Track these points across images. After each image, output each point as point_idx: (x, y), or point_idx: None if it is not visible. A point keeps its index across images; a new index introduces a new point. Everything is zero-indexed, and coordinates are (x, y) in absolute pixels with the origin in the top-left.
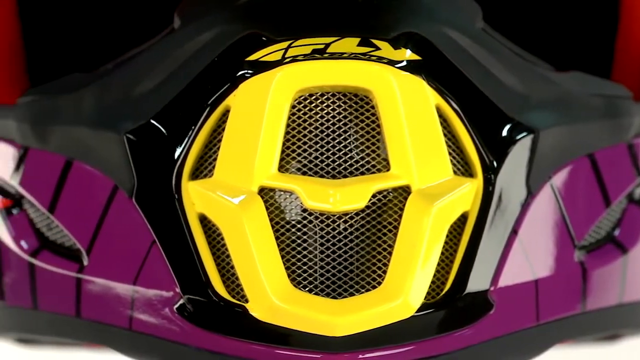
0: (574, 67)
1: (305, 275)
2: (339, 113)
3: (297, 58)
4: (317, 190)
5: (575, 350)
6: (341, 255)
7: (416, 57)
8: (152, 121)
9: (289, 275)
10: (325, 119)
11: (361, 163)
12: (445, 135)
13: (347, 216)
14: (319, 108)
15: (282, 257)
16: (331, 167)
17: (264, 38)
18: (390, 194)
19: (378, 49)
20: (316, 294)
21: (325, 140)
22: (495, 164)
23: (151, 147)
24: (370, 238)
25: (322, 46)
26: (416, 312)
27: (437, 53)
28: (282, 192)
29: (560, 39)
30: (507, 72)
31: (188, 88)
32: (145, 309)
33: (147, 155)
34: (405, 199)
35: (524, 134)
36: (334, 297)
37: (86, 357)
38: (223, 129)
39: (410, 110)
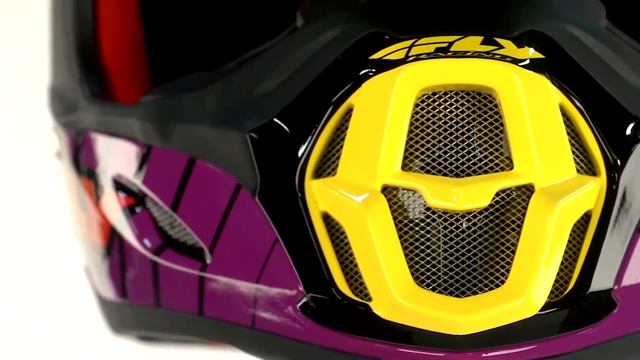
0: None
1: (428, 273)
2: (462, 111)
3: (421, 56)
4: (441, 189)
5: None
6: (464, 253)
7: (540, 55)
8: (275, 120)
9: (412, 274)
10: (449, 117)
11: (484, 162)
12: (568, 134)
13: (470, 215)
14: (442, 107)
15: (405, 255)
16: (454, 165)
17: (387, 36)
18: (514, 192)
19: (501, 47)
20: (439, 292)
21: (448, 139)
22: (618, 162)
23: (274, 145)
24: (494, 237)
25: (446, 44)
26: (539, 311)
27: (560, 51)
28: (405, 191)
29: None
30: (631, 71)
31: (311, 87)
32: (268, 307)
33: (270, 154)
34: (529, 197)
35: None
36: (457, 296)
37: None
38: (346, 128)
39: (533, 109)
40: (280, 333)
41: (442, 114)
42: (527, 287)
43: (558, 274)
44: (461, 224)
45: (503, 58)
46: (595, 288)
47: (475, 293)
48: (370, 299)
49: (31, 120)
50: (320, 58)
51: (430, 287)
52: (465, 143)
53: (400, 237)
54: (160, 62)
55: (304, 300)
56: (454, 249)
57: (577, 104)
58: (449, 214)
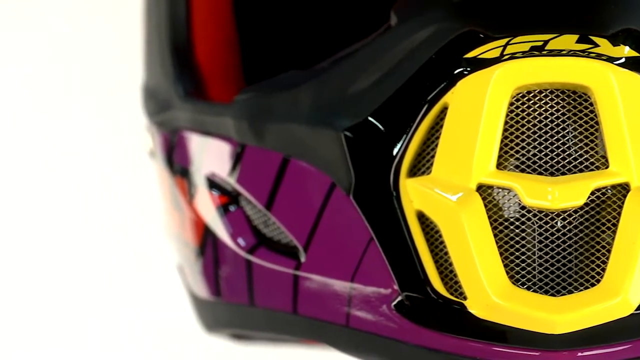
0: None
1: (523, 272)
2: (557, 110)
3: (516, 55)
4: (536, 188)
5: None
6: (559, 252)
7: (635, 53)
8: (370, 118)
9: (507, 273)
10: (544, 116)
11: (579, 160)
12: None
13: (565, 214)
14: (537, 105)
15: (500, 254)
16: (549, 164)
17: (481, 35)
18: (609, 191)
19: (597, 45)
20: (534, 291)
21: (543, 138)
22: None
23: (369, 144)
24: (589, 235)
25: (541, 43)
26: (635, 310)
27: None
28: (500, 190)
29: None
30: None
31: (405, 85)
32: (363, 306)
33: (365, 153)
34: (624, 196)
35: None
36: (552, 295)
37: None
38: (440, 126)
39: (629, 107)
40: (374, 332)
41: (537, 112)
42: (623, 286)
43: None
44: (556, 222)
45: (598, 56)
46: None
47: (570, 292)
48: (465, 298)
49: (123, 120)
50: (414, 57)
51: (525, 286)
52: (560, 142)
53: (495, 235)
54: (253, 61)
55: (399, 298)
56: (549, 247)
57: None
58: (544, 213)
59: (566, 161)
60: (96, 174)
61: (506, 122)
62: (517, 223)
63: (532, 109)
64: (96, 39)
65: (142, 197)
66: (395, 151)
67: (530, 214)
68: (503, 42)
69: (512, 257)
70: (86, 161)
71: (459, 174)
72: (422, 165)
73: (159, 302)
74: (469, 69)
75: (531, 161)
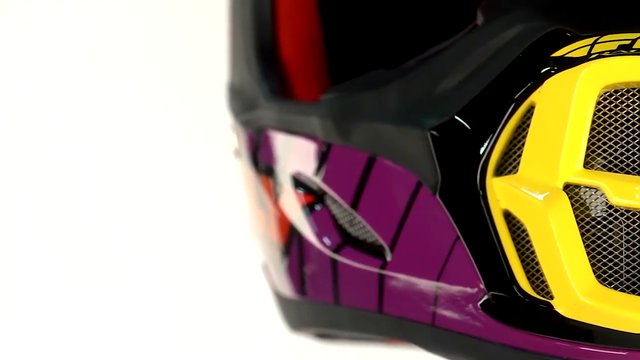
0: None
1: (610, 272)
2: None
3: (603, 54)
4: (624, 187)
5: None
6: None
7: None
8: (457, 118)
9: (594, 272)
10: (631, 115)
11: None
12: None
13: None
14: (624, 104)
15: (587, 253)
16: (637, 163)
17: (568, 34)
18: None
19: None
20: (622, 290)
21: (631, 137)
22: None
23: (455, 143)
24: None
25: (629, 42)
26: None
27: None
28: (587, 189)
29: None
30: None
31: (492, 84)
32: (449, 305)
33: (452, 152)
34: None
35: None
36: (639, 294)
37: None
38: (527, 126)
39: None
40: (460, 331)
41: (625, 111)
42: None
43: None
44: None
45: None
46: None
47: None
48: (552, 297)
49: (209, 119)
50: (501, 56)
51: (613, 286)
52: None
53: (582, 235)
54: (338, 60)
55: (485, 297)
56: (637, 247)
57: None
58: (631, 212)
59: None
60: (180, 174)
61: (593, 122)
62: (604, 222)
63: (619, 107)
64: (181, 38)
65: (227, 197)
66: (481, 150)
67: (618, 213)
68: (590, 41)
69: (599, 257)
70: (171, 161)
71: (545, 173)
72: (508, 164)
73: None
74: (555, 68)
75: (618, 160)
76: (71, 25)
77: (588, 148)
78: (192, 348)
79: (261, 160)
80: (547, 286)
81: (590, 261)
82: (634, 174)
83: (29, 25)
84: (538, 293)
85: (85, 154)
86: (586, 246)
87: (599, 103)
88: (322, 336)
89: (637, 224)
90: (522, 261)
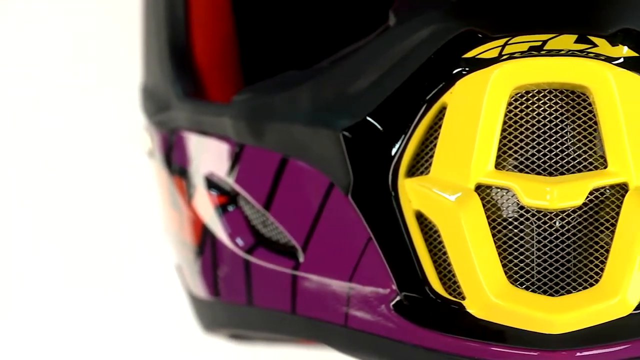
0: None
1: (522, 272)
2: (556, 110)
3: (514, 55)
4: (534, 188)
5: None
6: (558, 252)
7: (633, 53)
8: (369, 118)
9: (505, 273)
10: (542, 116)
11: (578, 160)
12: None
13: (564, 213)
14: (535, 105)
15: (499, 254)
16: (548, 164)
17: (480, 35)
18: (607, 191)
19: (595, 45)
20: (533, 291)
21: (541, 138)
22: None
23: (367, 144)
24: (587, 235)
25: (539, 43)
26: (633, 310)
27: None
28: (498, 190)
29: None
30: None
31: (404, 85)
32: (361, 306)
33: (364, 153)
34: (623, 196)
35: None
36: (550, 295)
37: None
38: (439, 126)
39: (627, 107)
40: (373, 332)
41: (536, 112)
42: (622, 286)
43: None
44: (555, 222)
45: (597, 56)
46: None
47: (568, 292)
48: (463, 298)
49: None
50: (413, 57)
51: (524, 286)
52: (559, 142)
53: (493, 235)
54: (252, 61)
55: (398, 298)
56: (548, 247)
57: None
58: (542, 213)
59: (565, 161)
60: (94, 175)
61: (505, 122)
62: (515, 223)
63: (530, 109)
64: (95, 39)
65: (141, 197)
66: (393, 151)
67: (529, 214)
68: (502, 42)
69: (510, 257)
70: (84, 162)
71: (457, 174)
72: (420, 165)
73: (157, 302)
74: (467, 69)
75: (530, 161)
76: None
77: (499, 149)
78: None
79: (174, 161)
80: (458, 287)
81: (501, 262)
82: (544, 175)
83: None
84: (450, 294)
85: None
86: (498, 247)
87: (510, 104)
88: (236, 337)
89: (547, 224)
90: (434, 262)
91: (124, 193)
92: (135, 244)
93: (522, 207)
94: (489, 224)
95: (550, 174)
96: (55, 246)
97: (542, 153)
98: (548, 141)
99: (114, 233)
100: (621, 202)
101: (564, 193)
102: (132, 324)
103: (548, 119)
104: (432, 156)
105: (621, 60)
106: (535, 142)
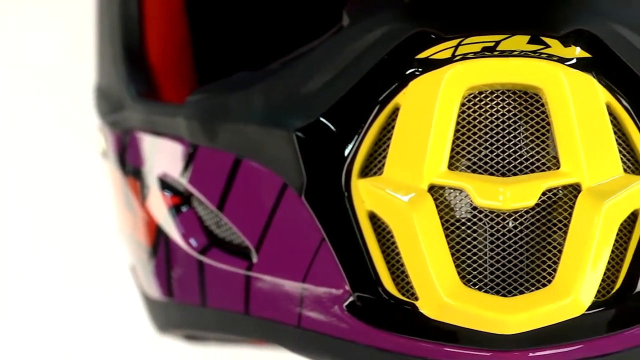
0: None
1: (474, 273)
2: (509, 111)
3: (467, 56)
4: (487, 188)
5: None
6: (511, 253)
7: (586, 54)
8: (322, 119)
9: (458, 273)
10: (495, 116)
11: (531, 161)
12: (615, 133)
13: (517, 214)
14: (488, 106)
15: (452, 254)
16: (501, 164)
17: (433, 36)
18: (560, 191)
19: (548, 46)
20: (486, 291)
21: (495, 138)
22: None
23: (320, 144)
24: (540, 236)
25: (492, 44)
26: (586, 310)
27: (607, 50)
28: (451, 190)
29: None
30: None
31: (357, 86)
32: (315, 306)
33: (317, 153)
34: (575, 197)
35: None
36: (503, 295)
37: None
38: (392, 127)
39: (580, 108)
40: (326, 332)
41: (489, 113)
42: (574, 286)
43: (605, 273)
44: (508, 223)
45: (550, 57)
46: None
47: (521, 292)
48: (416, 298)
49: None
50: (366, 57)
51: (477, 287)
52: (512, 142)
53: (446, 236)
54: (206, 62)
55: (351, 299)
56: (501, 248)
57: (624, 103)
58: (495, 214)
59: (518, 162)
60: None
61: (458, 123)
62: (468, 224)
63: (483, 109)
64: (49, 40)
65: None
66: (346, 152)
67: (482, 214)
68: (455, 42)
69: (463, 258)
70: (38, 161)
71: (410, 175)
72: (373, 165)
73: (113, 302)
74: (420, 69)
75: (483, 162)
76: None
77: (453, 149)
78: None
79: (128, 161)
80: (411, 287)
81: (454, 262)
82: (497, 175)
83: None
84: (403, 294)
85: None
86: (451, 247)
87: (463, 105)
88: (190, 337)
89: (500, 225)
90: (388, 262)
91: (78, 193)
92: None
93: (475, 208)
94: (442, 224)
95: (503, 175)
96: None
97: (495, 154)
98: (501, 142)
99: (67, 234)
100: (574, 203)
101: (516, 194)
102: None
103: (501, 120)
104: (385, 157)
105: (574, 61)
106: (488, 142)
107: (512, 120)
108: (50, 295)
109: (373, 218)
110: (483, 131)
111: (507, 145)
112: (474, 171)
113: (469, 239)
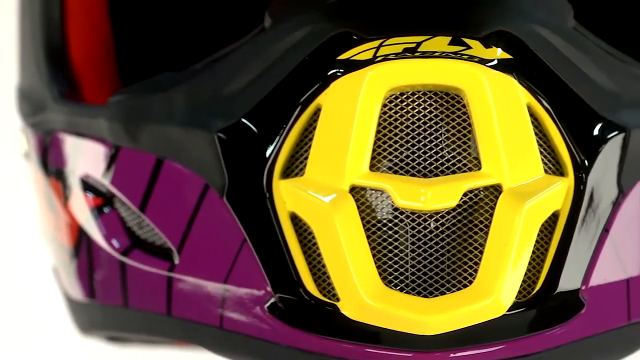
0: None
1: (396, 274)
2: (430, 112)
3: (389, 57)
4: (408, 189)
5: None
6: (432, 254)
7: (507, 56)
8: (243, 120)
9: (380, 274)
10: (417, 117)
11: (452, 162)
12: (536, 134)
13: (438, 215)
14: (410, 107)
15: (373, 255)
16: (422, 165)
17: (355, 37)
18: (481, 192)
19: (469, 47)
20: (407, 292)
21: (416, 139)
22: (586, 162)
23: (242, 146)
24: (461, 237)
25: (414, 45)
26: (507, 311)
27: (528, 52)
28: (373, 191)
29: None
30: (598, 71)
31: (279, 87)
32: (236, 307)
33: (238, 154)
34: (497, 197)
35: (615, 132)
36: (424, 296)
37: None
38: (314, 128)
39: (501, 109)
40: (248, 333)
41: (410, 114)
42: (495, 287)
43: (526, 274)
44: (429, 224)
45: (471, 58)
46: (563, 288)
47: (443, 293)
48: (338, 299)
49: None
50: (288, 58)
51: (398, 288)
52: (433, 143)
53: (368, 237)
54: (128, 63)
55: (272, 300)
56: (422, 249)
57: (545, 104)
58: (416, 214)
59: (439, 162)
60: None
61: (379, 124)
62: (390, 225)
63: (405, 110)
64: None
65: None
66: (268, 153)
67: (403, 215)
68: (376, 43)
69: (385, 259)
70: None
71: (331, 176)
72: (295, 167)
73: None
74: (342, 70)
75: (404, 162)
76: None
77: (374, 150)
78: None
79: (50, 163)
80: (333, 288)
81: (376, 263)
82: (419, 176)
83: None
84: (325, 295)
85: None
86: (372, 248)
87: (384, 105)
88: (113, 339)
89: (422, 226)
90: (309, 263)
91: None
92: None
93: (396, 209)
94: (364, 225)
95: (425, 176)
96: None
97: (416, 154)
98: (422, 143)
99: None
100: (495, 204)
101: (437, 194)
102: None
103: (422, 121)
104: (307, 158)
105: (495, 62)
106: (410, 143)
107: (433, 121)
108: None
109: (295, 219)
110: (404, 132)
111: (428, 146)
112: (395, 172)
113: (390, 239)
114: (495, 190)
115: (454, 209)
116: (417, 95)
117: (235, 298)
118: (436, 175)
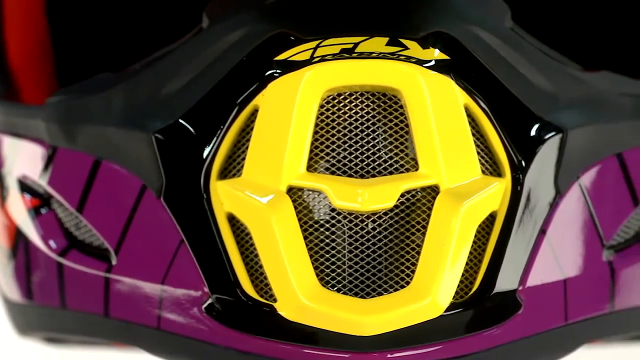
0: (603, 67)
1: (333, 274)
2: (368, 112)
3: (326, 57)
4: (346, 190)
5: (601, 350)
6: (369, 254)
7: (445, 56)
8: (181, 121)
9: (317, 275)
10: (354, 118)
11: (390, 162)
12: (473, 135)
13: (376, 216)
14: (347, 107)
15: (311, 256)
16: (359, 166)
17: (292, 37)
18: (419, 193)
19: (406, 48)
20: (344, 293)
21: (353, 140)
22: (523, 163)
23: (179, 146)
24: (399, 238)
25: (351, 45)
26: (444, 311)
27: (465, 53)
28: (310, 192)
29: (590, 38)
30: (535, 72)
31: (216, 87)
32: (174, 308)
33: (176, 155)
34: (434, 198)
35: (553, 133)
36: (362, 297)
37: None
38: (252, 129)
39: (438, 110)
40: (185, 334)
41: (347, 114)
42: (432, 287)
43: (463, 274)
44: (366, 224)
45: (408, 59)
46: (500, 289)
47: (380, 294)
48: (275, 300)
49: None
50: (226, 59)
51: (335, 288)
52: (371, 144)
53: (305, 238)
54: (66, 63)
55: (209, 301)
56: (359, 249)
57: (482, 105)
58: (354, 215)
59: (376, 163)
60: None
61: (317, 125)
62: (327, 225)
63: (342, 111)
64: None
65: None
66: (205, 153)
67: (341, 216)
68: (314, 44)
69: (322, 259)
70: None
71: (269, 176)
72: (232, 167)
73: None
74: (279, 71)
75: (341, 163)
76: None
77: (312, 151)
78: None
79: None
80: (270, 289)
81: (313, 264)
82: (356, 177)
83: None
84: (262, 296)
85: None
86: (309, 249)
87: (322, 106)
88: (51, 340)
89: (359, 226)
90: (247, 264)
91: None
92: None
93: (333, 210)
94: (301, 226)
95: (362, 177)
96: None
97: (353, 155)
98: (360, 143)
99: None
100: (432, 204)
101: (375, 195)
102: None
103: (360, 122)
104: (244, 158)
105: (432, 62)
106: (347, 144)
107: (371, 121)
108: None
109: (232, 220)
110: (342, 133)
111: (366, 147)
112: (332, 173)
113: (327, 240)
114: (432, 191)
115: (391, 210)
116: (354, 96)
117: (172, 299)
118: (374, 176)
